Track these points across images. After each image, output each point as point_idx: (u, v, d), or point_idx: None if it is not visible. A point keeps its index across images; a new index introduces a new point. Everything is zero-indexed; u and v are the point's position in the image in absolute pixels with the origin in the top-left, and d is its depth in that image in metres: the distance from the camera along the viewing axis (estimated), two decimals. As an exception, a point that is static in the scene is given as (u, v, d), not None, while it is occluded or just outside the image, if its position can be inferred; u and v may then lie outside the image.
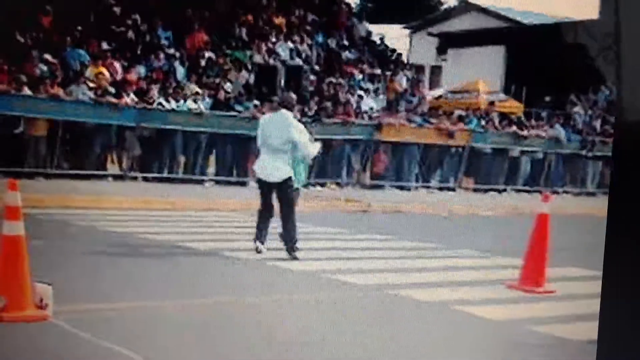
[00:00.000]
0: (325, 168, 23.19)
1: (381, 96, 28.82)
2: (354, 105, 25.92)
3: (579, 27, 35.04)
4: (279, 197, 12.63)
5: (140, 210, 16.96)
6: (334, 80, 27.37)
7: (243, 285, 10.57)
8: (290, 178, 12.55)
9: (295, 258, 12.33)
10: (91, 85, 20.99)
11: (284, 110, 12.78)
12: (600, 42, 31.30)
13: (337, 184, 23.53)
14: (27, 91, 19.58)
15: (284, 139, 12.53)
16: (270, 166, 12.58)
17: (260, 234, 12.62)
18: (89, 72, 21.88)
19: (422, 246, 14.83)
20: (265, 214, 12.71)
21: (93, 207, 16.59)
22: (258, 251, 12.47)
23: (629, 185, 2.41)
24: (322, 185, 22.98)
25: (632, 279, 2.51)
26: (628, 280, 2.49)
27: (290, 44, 28.86)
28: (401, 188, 24.76)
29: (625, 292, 2.56)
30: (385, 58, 33.14)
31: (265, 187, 12.71)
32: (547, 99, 34.42)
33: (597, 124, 32.07)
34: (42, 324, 7.71)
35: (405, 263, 12.88)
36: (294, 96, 13.61)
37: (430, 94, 33.33)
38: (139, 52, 24.95)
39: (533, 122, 29.44)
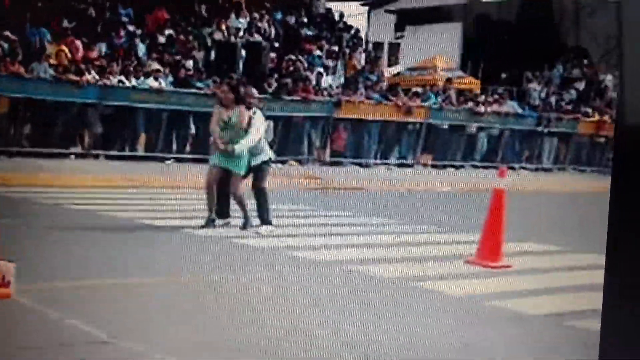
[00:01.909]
0: (285, 145, 23.29)
1: (340, 73, 28.91)
2: (314, 83, 26.03)
3: (536, 3, 35.23)
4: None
5: (104, 188, 17.00)
6: (293, 57, 27.43)
7: (206, 262, 10.64)
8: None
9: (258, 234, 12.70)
10: (52, 62, 20.96)
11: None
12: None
13: (298, 161, 23.66)
14: (-14, 69, 19.56)
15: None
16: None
17: None
18: (50, 49, 21.82)
19: (382, 222, 14.97)
20: None
21: (56, 185, 16.60)
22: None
23: (629, 186, 2.58)
24: (283, 162, 23.09)
25: (633, 279, 2.70)
26: (629, 281, 2.68)
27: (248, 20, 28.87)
28: (361, 165, 24.93)
29: (626, 292, 2.74)
30: (344, 35, 33.19)
31: None
32: (503, 75, 34.62)
33: (553, 100, 32.39)
34: (4, 301, 7.72)
35: (364, 239, 12.99)
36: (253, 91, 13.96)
37: (388, 71, 33.44)
38: (99, 29, 24.88)
39: (490, 98, 29.67)
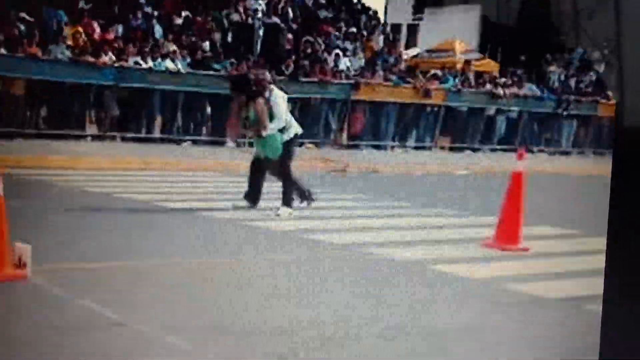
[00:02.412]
0: (302, 128, 23.21)
1: (359, 55, 28.85)
2: (331, 65, 25.98)
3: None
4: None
5: (119, 170, 17.01)
6: (311, 39, 27.38)
7: (221, 245, 10.64)
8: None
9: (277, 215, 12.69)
10: (69, 44, 20.97)
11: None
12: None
13: (315, 144, 23.62)
14: (4, 51, 19.55)
15: None
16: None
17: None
18: (67, 31, 21.84)
19: (399, 205, 14.96)
20: None
21: (72, 168, 16.63)
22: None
23: (629, 186, 2.50)
24: (300, 145, 23.04)
25: (634, 278, 2.61)
26: (630, 281, 2.59)
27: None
28: (378, 148, 24.89)
29: (628, 293, 2.65)
30: (362, 17, 33.14)
31: None
32: (522, 58, 34.52)
33: (572, 83, 32.26)
34: (20, 283, 7.73)
35: (382, 222, 12.95)
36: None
37: (406, 53, 33.38)
38: (116, 11, 24.88)
39: (508, 81, 29.57)
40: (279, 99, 13.08)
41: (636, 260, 2.60)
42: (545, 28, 34.83)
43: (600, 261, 8.55)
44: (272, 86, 13.25)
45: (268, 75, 13.56)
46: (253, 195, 13.21)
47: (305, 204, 13.48)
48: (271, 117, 12.91)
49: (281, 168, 13.12)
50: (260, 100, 12.96)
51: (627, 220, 2.49)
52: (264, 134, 12.91)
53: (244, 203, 13.13)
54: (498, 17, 36.63)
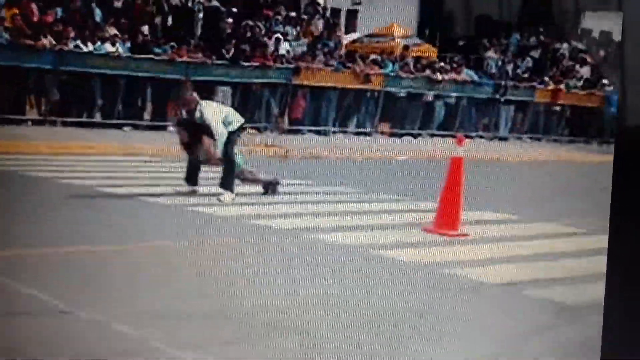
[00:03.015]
0: (243, 113, 23.21)
1: (299, 40, 28.84)
2: (272, 49, 25.96)
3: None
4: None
5: (61, 155, 16.90)
6: (251, 23, 27.32)
7: (166, 230, 10.67)
8: None
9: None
10: (7, 26, 20.73)
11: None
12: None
13: (256, 128, 23.61)
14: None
15: None
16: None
17: None
18: (4, 13, 21.57)
19: (341, 191, 15.04)
20: None
21: (13, 152, 16.49)
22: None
23: (629, 184, 2.59)
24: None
25: (635, 276, 2.72)
26: (631, 279, 2.69)
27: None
28: (319, 133, 24.95)
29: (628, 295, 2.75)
30: (302, 1, 33.10)
31: None
32: (461, 43, 34.71)
33: (509, 68, 32.54)
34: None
35: (324, 207, 13.05)
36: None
37: (346, 38, 33.40)
38: (55, -7, 24.63)
39: (447, 66, 29.73)
40: (209, 113, 13.21)
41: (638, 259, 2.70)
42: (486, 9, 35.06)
43: (540, 246, 8.76)
44: (200, 103, 13.32)
45: (195, 96, 13.57)
46: (194, 177, 13.32)
47: (270, 193, 13.71)
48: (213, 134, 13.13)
49: (226, 150, 13.18)
50: (206, 141, 13.12)
51: (629, 217, 2.59)
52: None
53: (186, 187, 13.20)
54: (436, 1, 36.77)
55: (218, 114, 13.34)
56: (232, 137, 13.29)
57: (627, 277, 2.70)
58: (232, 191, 13.09)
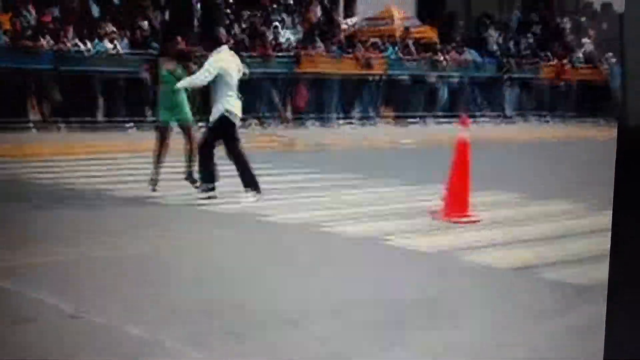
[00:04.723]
0: (245, 105, 23.13)
1: (297, 28, 28.76)
2: (271, 38, 25.88)
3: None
4: (235, 136, 12.75)
5: (64, 157, 16.83)
6: (249, 12, 27.24)
7: (174, 229, 10.62)
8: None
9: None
10: (6, 29, 20.71)
11: (223, 47, 12.93)
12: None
13: (258, 119, 23.54)
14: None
15: (239, 73, 12.79)
16: (238, 106, 12.76)
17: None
18: (2, 18, 21.55)
19: (348, 180, 14.97)
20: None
21: (17, 156, 16.46)
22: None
23: (631, 186, 2.50)
24: (244, 121, 22.96)
25: (637, 278, 2.62)
26: (633, 279, 2.59)
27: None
28: (323, 122, 24.88)
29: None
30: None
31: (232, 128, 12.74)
32: (461, 23, 34.60)
33: (511, 45, 32.42)
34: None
35: (332, 197, 12.99)
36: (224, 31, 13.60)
37: (345, 23, 33.30)
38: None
39: (448, 47, 29.63)
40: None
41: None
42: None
43: (550, 226, 8.68)
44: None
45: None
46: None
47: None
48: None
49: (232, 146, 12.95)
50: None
51: (631, 220, 2.49)
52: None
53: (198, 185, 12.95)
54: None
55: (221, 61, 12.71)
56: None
57: (630, 276, 2.60)
58: (257, 190, 12.64)
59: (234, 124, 12.64)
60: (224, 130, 12.60)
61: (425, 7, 35.63)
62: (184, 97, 13.23)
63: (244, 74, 12.95)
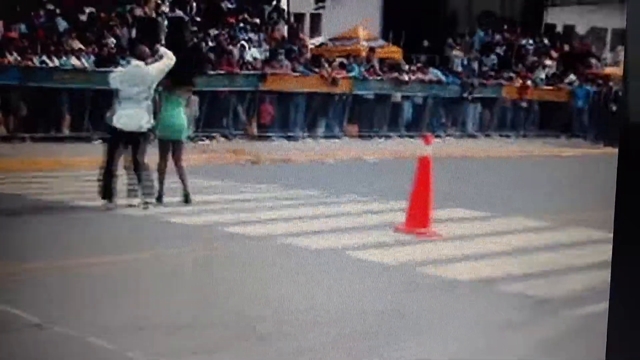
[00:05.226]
0: (212, 121, 23.23)
1: (264, 46, 28.83)
2: (237, 56, 25.96)
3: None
4: (138, 146, 12.98)
5: (31, 171, 16.80)
6: (215, 31, 27.31)
7: (137, 241, 10.63)
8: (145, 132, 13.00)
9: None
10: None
11: (136, 62, 13.29)
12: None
13: (225, 136, 23.59)
14: None
15: (144, 87, 12.98)
16: (135, 115, 12.94)
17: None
18: (-32, 32, 21.51)
19: (312, 194, 15.03)
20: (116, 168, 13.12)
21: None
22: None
23: (634, 186, 2.59)
24: (210, 137, 23.03)
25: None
26: (635, 279, 2.70)
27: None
28: (288, 138, 24.94)
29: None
30: (265, 7, 33.10)
31: (125, 137, 13.00)
32: (425, 43, 34.78)
33: (475, 66, 32.65)
34: None
35: (296, 212, 13.01)
36: (146, 49, 13.79)
37: (311, 43, 33.44)
38: (18, 9, 24.54)
39: (413, 67, 29.78)
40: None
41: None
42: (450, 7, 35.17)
43: (512, 241, 8.81)
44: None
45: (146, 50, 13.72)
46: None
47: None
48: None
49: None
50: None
51: (633, 217, 2.59)
52: None
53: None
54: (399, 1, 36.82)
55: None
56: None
57: (633, 274, 2.70)
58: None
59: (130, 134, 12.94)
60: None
61: (390, 27, 35.80)
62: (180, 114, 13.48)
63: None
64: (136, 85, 13.02)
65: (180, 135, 13.56)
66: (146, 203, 12.83)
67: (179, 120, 13.51)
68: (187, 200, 13.14)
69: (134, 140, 12.91)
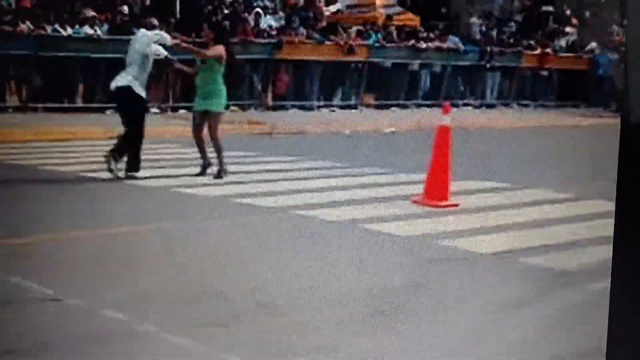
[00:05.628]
0: (227, 90, 23.06)
1: (279, 14, 28.63)
2: (252, 24, 25.76)
3: None
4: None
5: (43, 141, 16.72)
6: (230, -2, 27.12)
7: (153, 212, 10.58)
8: (131, 88, 12.88)
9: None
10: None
11: (143, 30, 13.39)
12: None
13: (240, 106, 23.43)
14: None
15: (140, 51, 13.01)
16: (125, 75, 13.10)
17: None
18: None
19: (328, 166, 14.95)
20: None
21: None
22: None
23: (634, 185, 2.46)
24: (226, 107, 22.85)
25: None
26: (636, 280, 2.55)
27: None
28: (304, 108, 24.79)
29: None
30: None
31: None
32: (443, 10, 34.56)
33: (494, 34, 32.37)
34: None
35: (312, 183, 12.93)
36: (154, 20, 13.74)
37: (328, 10, 33.23)
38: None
39: (431, 34, 29.55)
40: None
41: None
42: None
43: (532, 213, 8.69)
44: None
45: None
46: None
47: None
48: None
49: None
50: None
51: (634, 219, 2.44)
52: None
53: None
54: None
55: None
56: None
57: (634, 277, 2.56)
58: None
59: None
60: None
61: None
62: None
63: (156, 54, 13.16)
64: (136, 52, 13.03)
65: (216, 107, 13.34)
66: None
67: (215, 91, 13.34)
68: (219, 175, 12.93)
69: (125, 103, 13.03)
